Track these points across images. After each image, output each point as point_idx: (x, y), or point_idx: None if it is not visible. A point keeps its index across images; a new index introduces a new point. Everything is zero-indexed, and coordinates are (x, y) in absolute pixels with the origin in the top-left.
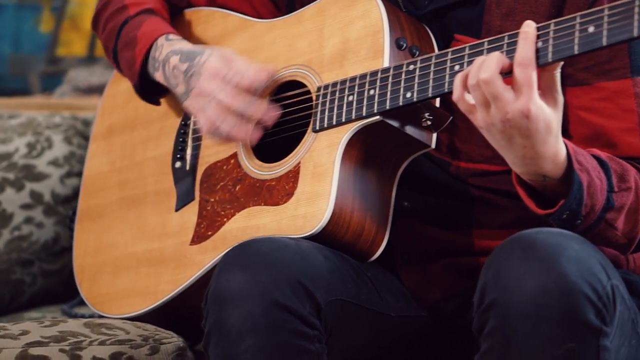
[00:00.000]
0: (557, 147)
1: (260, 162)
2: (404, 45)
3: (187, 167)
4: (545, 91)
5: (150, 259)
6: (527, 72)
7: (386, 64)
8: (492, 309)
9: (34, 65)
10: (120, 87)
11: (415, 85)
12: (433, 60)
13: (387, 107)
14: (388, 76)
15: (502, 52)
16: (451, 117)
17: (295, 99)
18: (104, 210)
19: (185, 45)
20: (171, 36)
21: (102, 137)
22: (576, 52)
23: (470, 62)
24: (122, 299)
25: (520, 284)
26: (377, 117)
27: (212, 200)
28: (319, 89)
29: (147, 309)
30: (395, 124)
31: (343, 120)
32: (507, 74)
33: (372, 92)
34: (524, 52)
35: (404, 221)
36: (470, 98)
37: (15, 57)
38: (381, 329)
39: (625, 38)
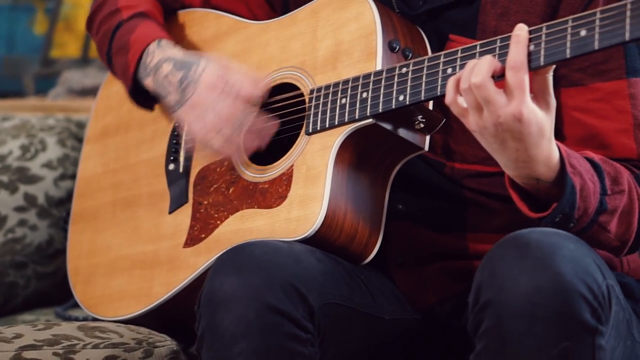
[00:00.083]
0: (550, 150)
1: (254, 165)
2: (397, 47)
3: (181, 170)
4: (538, 94)
5: (144, 262)
6: (519, 76)
7: (379, 67)
8: (487, 308)
9: (28, 67)
10: (114, 89)
11: (408, 88)
12: (426, 64)
13: (380, 110)
14: (381, 79)
15: (494, 55)
16: (444, 120)
17: (288, 102)
18: (98, 212)
19: (177, 52)
20: (163, 42)
21: (96, 139)
22: (568, 55)
23: (463, 65)
24: (116, 302)
25: (515, 283)
26: (370, 120)
27: (206, 202)
28: (312, 91)
29: (140, 311)
30: (388, 126)
31: (336, 123)
32: (499, 77)
33: (365, 95)
34: (516, 55)
35: (398, 224)
36: (462, 102)
37: (9, 58)
38: (374, 332)
39: (617, 42)
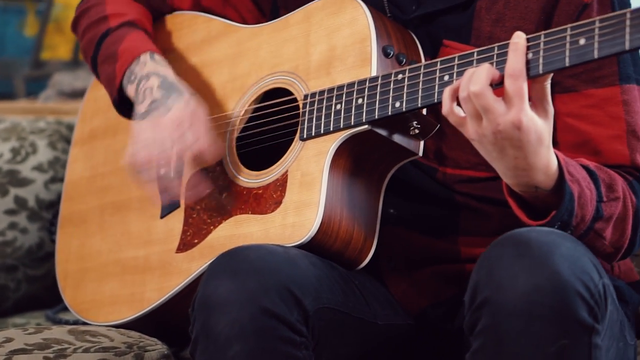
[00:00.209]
0: (548, 158)
1: (247, 170)
2: (391, 53)
3: (172, 174)
4: (536, 102)
5: (135, 266)
6: (517, 84)
7: (374, 73)
8: (485, 306)
9: (19, 69)
10: (102, 92)
11: (404, 95)
12: (422, 70)
13: (376, 117)
14: (376, 85)
15: (491, 62)
16: (438, 125)
17: (281, 107)
18: (87, 216)
19: (170, 73)
20: (156, 56)
21: (84, 142)
22: (567, 64)
23: (459, 72)
24: (107, 306)
25: (513, 281)
26: (366, 126)
27: (198, 207)
28: (305, 96)
29: (133, 316)
30: (383, 132)
31: (331, 129)
32: (497, 85)
33: (360, 101)
34: (514, 63)
35: (390, 228)
36: (460, 111)
37: None
38: (368, 337)
39: (617, 51)
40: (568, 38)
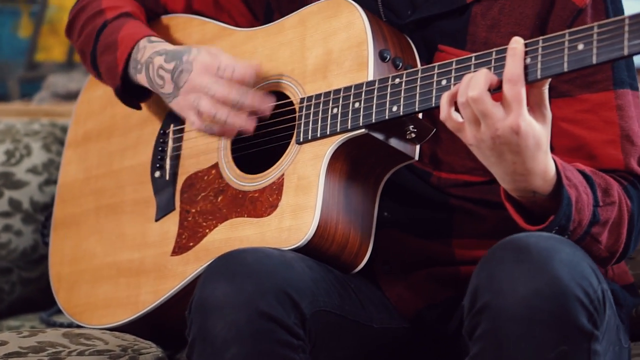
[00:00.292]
0: (546, 163)
1: (243, 173)
2: (388, 57)
3: (167, 177)
4: (534, 107)
5: (130, 269)
6: (516, 89)
7: (370, 77)
8: (485, 311)
9: (13, 71)
10: (96, 93)
11: (402, 99)
12: (419, 75)
13: (373, 121)
14: (373, 89)
15: (489, 67)
16: (434, 130)
17: (277, 110)
18: (81, 219)
19: (168, 46)
20: (153, 38)
21: (77, 144)
22: (566, 69)
23: (457, 77)
24: (101, 309)
25: (513, 286)
26: (363, 130)
27: (194, 210)
28: (302, 100)
29: (128, 319)
30: (380, 136)
31: (328, 132)
32: (495, 90)
33: (357, 105)
34: (512, 68)
35: (384, 231)
36: (458, 116)
37: None
38: (364, 340)
39: (615, 57)
40: (566, 43)
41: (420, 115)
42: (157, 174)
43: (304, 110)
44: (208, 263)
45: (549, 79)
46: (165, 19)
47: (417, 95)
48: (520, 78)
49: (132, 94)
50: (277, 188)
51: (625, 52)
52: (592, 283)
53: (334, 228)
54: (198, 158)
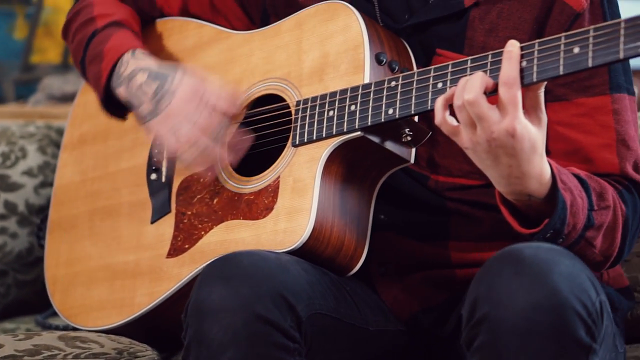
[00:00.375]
0: (542, 166)
1: (239, 176)
2: (384, 60)
3: (163, 179)
4: (530, 110)
5: (125, 271)
6: (512, 92)
7: (367, 80)
8: (483, 323)
9: (8, 73)
10: (92, 96)
11: (398, 102)
12: (415, 77)
13: (369, 123)
14: (369, 92)
15: (485, 70)
16: (430, 133)
17: (273, 113)
18: (76, 221)
19: (152, 63)
20: (137, 52)
21: (73, 147)
22: (561, 72)
23: (453, 80)
24: (96, 311)
25: (512, 298)
26: (358, 132)
27: (189, 213)
28: (298, 103)
29: (123, 321)
30: (375, 139)
31: (323, 135)
32: (491, 93)
33: (353, 107)
34: (508, 71)
35: (380, 234)
36: (452, 120)
37: None
38: (360, 343)
39: (611, 60)
40: (562, 47)
41: (416, 119)
42: (153, 176)
43: (300, 113)
44: (203, 265)
45: (545, 82)
46: (161, 22)
47: (413, 98)
48: (516, 81)
49: (116, 105)
50: (272, 190)
51: (621, 55)
52: (590, 296)
53: (329, 230)
54: None
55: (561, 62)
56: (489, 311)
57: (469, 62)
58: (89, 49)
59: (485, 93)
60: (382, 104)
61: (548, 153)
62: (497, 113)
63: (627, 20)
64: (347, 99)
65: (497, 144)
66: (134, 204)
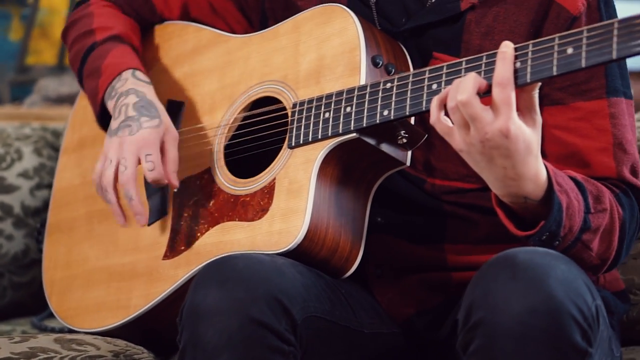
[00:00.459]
0: (537, 168)
1: (235, 178)
2: (380, 63)
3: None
4: (524, 112)
5: (122, 273)
6: (505, 92)
7: (363, 82)
8: (479, 327)
9: (4, 74)
10: None
11: (393, 104)
12: (410, 79)
13: (364, 125)
14: (365, 94)
15: (479, 72)
16: (426, 135)
17: (270, 115)
18: (74, 224)
19: (149, 91)
20: (138, 73)
21: (73, 150)
22: (555, 73)
23: (447, 81)
24: (93, 313)
25: (508, 303)
26: (354, 134)
27: (186, 215)
28: (294, 105)
29: (118, 323)
30: (371, 141)
31: (319, 137)
32: (484, 94)
33: (348, 109)
34: (502, 72)
35: (377, 236)
36: (447, 120)
37: None
38: (355, 346)
39: (604, 60)
40: (556, 47)
41: (412, 121)
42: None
43: (296, 115)
44: (199, 266)
45: (539, 83)
46: (162, 26)
47: (408, 99)
48: (509, 81)
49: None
50: (268, 192)
51: (614, 55)
52: (586, 300)
53: (324, 232)
54: (191, 163)
55: (555, 62)
56: (484, 316)
57: (463, 63)
58: (87, 63)
59: (478, 94)
60: (377, 106)
61: (545, 156)
62: (490, 114)
63: (621, 21)
64: (343, 101)
65: (491, 144)
66: None
